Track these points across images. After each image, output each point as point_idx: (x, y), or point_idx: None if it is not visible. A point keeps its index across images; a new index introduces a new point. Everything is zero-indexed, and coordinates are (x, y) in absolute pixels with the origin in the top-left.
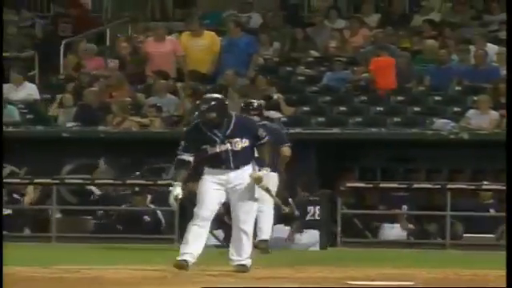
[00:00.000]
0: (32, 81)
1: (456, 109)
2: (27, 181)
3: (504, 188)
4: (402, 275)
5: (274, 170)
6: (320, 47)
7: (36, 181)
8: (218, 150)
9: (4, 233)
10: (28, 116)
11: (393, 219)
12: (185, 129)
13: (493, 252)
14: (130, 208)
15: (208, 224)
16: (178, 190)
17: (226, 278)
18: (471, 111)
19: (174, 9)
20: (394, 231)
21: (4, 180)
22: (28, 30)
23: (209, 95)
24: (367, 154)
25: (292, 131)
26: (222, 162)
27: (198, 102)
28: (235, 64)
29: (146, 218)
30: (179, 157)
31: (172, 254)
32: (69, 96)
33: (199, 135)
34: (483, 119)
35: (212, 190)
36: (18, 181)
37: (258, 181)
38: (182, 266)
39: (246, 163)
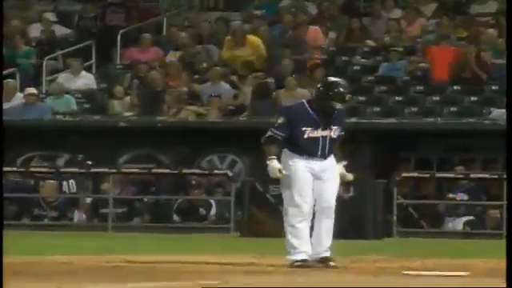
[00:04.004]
0: (89, 70)
1: None
2: (84, 170)
3: None
4: (458, 265)
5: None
6: (376, 37)
7: (92, 170)
8: (317, 134)
9: (65, 222)
10: (85, 105)
11: (450, 209)
12: (284, 106)
13: None
14: (189, 198)
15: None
16: (277, 164)
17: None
18: None
19: None
20: (450, 221)
21: (61, 169)
22: (87, 21)
23: (335, 78)
24: (423, 144)
25: (348, 121)
26: (317, 149)
27: (319, 86)
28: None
29: (202, 210)
30: (272, 134)
31: (227, 243)
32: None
33: (303, 115)
34: None
35: (309, 182)
36: (75, 170)
37: (343, 177)
38: (308, 265)
39: (332, 153)
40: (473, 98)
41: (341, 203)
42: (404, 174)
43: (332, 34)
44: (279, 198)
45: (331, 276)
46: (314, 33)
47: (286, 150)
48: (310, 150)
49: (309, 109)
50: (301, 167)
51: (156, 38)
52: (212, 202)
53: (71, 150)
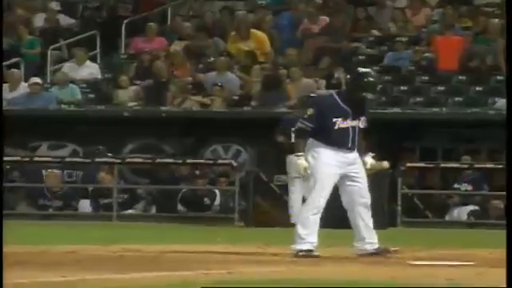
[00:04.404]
0: (94, 60)
1: None
2: (89, 160)
3: None
4: (462, 255)
5: None
6: (381, 27)
7: (97, 160)
8: (347, 124)
9: (69, 211)
10: (90, 95)
11: (454, 199)
12: (312, 97)
13: None
14: (193, 187)
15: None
16: (304, 162)
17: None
18: None
19: None
20: (455, 211)
21: (66, 159)
22: (91, 11)
23: (365, 69)
24: (428, 134)
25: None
26: (347, 140)
27: (350, 76)
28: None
29: (206, 199)
30: (302, 125)
31: (232, 233)
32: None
33: (333, 106)
34: None
35: (333, 176)
36: (79, 160)
37: (378, 167)
38: (313, 255)
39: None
40: (478, 88)
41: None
42: (409, 164)
43: (337, 23)
44: (283, 188)
45: (336, 266)
46: (323, 23)
47: (313, 141)
48: (340, 140)
49: (338, 99)
50: (326, 159)
51: (161, 27)
52: (216, 191)
53: (76, 140)
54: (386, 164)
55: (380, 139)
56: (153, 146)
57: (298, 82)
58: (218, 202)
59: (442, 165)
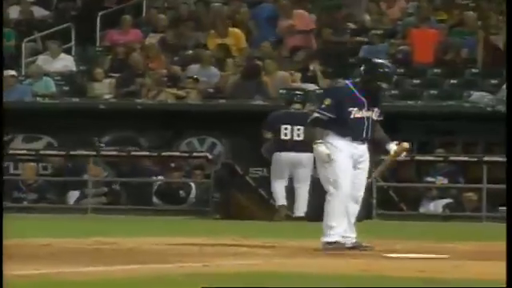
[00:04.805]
0: (68, 53)
1: (493, 81)
2: (63, 153)
3: None
4: (437, 248)
5: (310, 151)
6: (357, 19)
7: (72, 152)
8: (363, 114)
9: (44, 204)
10: (64, 88)
11: (429, 192)
12: (329, 88)
13: None
14: (168, 180)
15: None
16: (326, 149)
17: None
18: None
19: None
20: (430, 204)
21: (41, 152)
22: (66, 3)
23: (380, 60)
24: (403, 126)
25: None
26: (362, 130)
27: (363, 67)
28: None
29: (182, 192)
30: (319, 115)
31: (207, 226)
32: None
33: (349, 96)
34: None
35: (349, 163)
36: (54, 152)
37: (401, 151)
38: (340, 247)
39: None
40: (453, 81)
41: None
42: (384, 157)
43: (312, 16)
44: (259, 181)
45: (311, 259)
46: (299, 16)
47: (329, 132)
48: (355, 130)
49: (354, 89)
50: (343, 148)
51: (136, 19)
52: (192, 184)
53: (51, 133)
54: (406, 144)
55: None
56: (128, 138)
57: (273, 75)
58: (193, 194)
59: (418, 157)
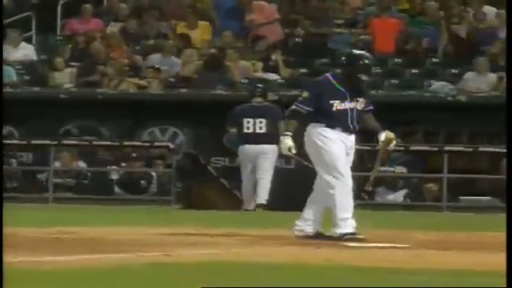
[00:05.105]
0: (29, 42)
1: (454, 71)
2: (25, 142)
3: (502, 151)
4: (397, 237)
5: (273, 143)
6: (318, 9)
7: (33, 142)
8: (345, 106)
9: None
10: (25, 77)
11: (389, 182)
12: (309, 81)
13: (489, 214)
14: (130, 170)
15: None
16: (290, 141)
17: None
18: (469, 73)
19: None
20: (390, 193)
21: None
22: None
23: (360, 51)
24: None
25: (288, 94)
26: (347, 121)
27: (343, 58)
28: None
29: (143, 182)
30: (297, 108)
31: (169, 216)
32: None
33: (329, 88)
34: (481, 81)
35: (343, 151)
36: (15, 142)
37: (391, 139)
38: (357, 238)
39: (359, 126)
40: (414, 71)
41: (281, 175)
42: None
43: (274, 6)
44: (220, 171)
45: (274, 248)
46: (259, 8)
47: (316, 124)
48: (341, 122)
49: (334, 82)
50: (335, 139)
51: (97, 9)
52: (153, 174)
53: (11, 122)
54: (391, 134)
55: None
56: (90, 128)
57: (235, 64)
58: (154, 184)
59: (378, 147)
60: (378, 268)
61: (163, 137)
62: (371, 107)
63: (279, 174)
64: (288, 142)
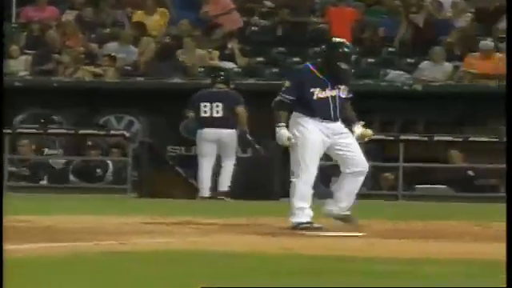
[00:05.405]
0: None
1: (410, 60)
2: None
3: (458, 140)
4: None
5: (231, 127)
6: None
7: None
8: (326, 94)
9: None
10: None
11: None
12: (289, 70)
13: (444, 203)
14: (85, 158)
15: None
16: (287, 132)
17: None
18: (425, 63)
19: None
20: None
21: None
22: None
23: (340, 39)
24: None
25: (246, 82)
26: (328, 109)
27: (324, 47)
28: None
29: (99, 170)
30: (281, 98)
31: (124, 204)
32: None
33: (309, 77)
34: (437, 71)
35: (320, 143)
36: None
37: (365, 136)
38: (314, 227)
39: (343, 115)
40: (370, 60)
41: (239, 164)
42: None
43: None
44: (176, 159)
45: (232, 237)
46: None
47: (296, 113)
48: (322, 110)
49: (314, 70)
50: (313, 129)
51: None
52: (109, 162)
53: None
54: (369, 132)
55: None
56: (45, 116)
57: (191, 53)
58: (110, 172)
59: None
60: (334, 256)
61: (119, 125)
62: (350, 95)
63: (237, 163)
64: (285, 132)
